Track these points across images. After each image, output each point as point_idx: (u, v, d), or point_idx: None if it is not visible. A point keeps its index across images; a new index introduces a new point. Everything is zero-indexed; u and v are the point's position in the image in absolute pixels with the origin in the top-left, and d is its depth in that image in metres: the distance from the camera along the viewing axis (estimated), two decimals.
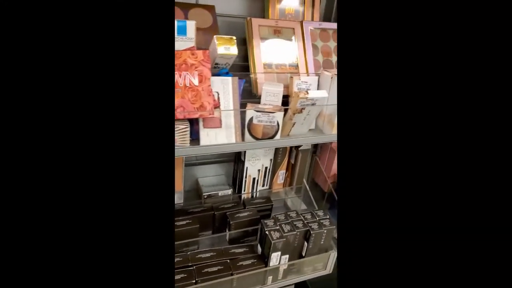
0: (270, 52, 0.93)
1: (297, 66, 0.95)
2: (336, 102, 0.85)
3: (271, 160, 1.21)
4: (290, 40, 0.96)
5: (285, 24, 0.95)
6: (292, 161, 1.25)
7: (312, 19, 1.06)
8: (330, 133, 0.89)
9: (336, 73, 0.85)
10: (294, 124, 0.84)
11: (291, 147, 1.22)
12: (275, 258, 1.00)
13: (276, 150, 1.20)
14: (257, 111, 0.77)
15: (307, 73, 0.95)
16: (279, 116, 0.78)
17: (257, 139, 0.81)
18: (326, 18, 1.14)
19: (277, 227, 1.01)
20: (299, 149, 1.20)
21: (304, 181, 1.29)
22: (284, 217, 1.06)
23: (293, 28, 0.96)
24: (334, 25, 1.02)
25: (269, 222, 1.03)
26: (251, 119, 0.78)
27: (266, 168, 1.23)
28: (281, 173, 1.26)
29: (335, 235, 1.27)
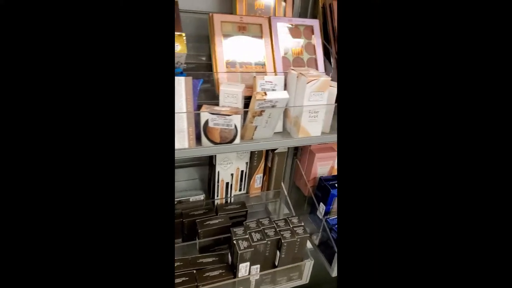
0: (234, 50, 0.87)
1: (264, 65, 0.89)
2: (302, 103, 0.79)
3: (247, 163, 1.16)
4: (257, 37, 0.90)
5: (251, 20, 0.89)
6: (269, 165, 1.19)
7: (285, 15, 1.00)
8: (297, 137, 0.82)
9: (302, 72, 0.79)
10: (256, 127, 0.78)
11: (267, 150, 1.16)
12: (243, 268, 0.95)
13: (252, 153, 1.15)
14: (212, 113, 0.72)
15: (275, 72, 0.89)
16: (236, 119, 0.72)
17: (215, 143, 0.75)
18: (302, 14, 1.08)
19: (246, 236, 0.95)
20: (275, 152, 1.15)
21: (283, 185, 1.24)
22: (255, 224, 1.01)
23: (260, 24, 0.90)
24: (305, 21, 0.96)
25: (239, 231, 0.97)
26: (206, 122, 0.73)
27: (242, 171, 1.17)
28: (258, 177, 1.21)
29: (315, 242, 1.22)
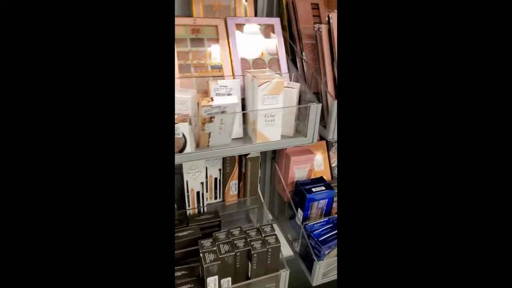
0: (187, 54, 0.82)
1: (221, 68, 0.85)
2: (259, 107, 0.74)
3: (220, 170, 1.12)
4: (212, 39, 0.86)
5: (205, 22, 0.85)
6: (244, 170, 1.15)
7: (246, 15, 0.95)
8: (255, 142, 0.78)
9: (255, 74, 0.75)
10: (210, 134, 0.74)
11: (240, 155, 1.12)
12: (212, 282, 0.90)
13: (224, 159, 1.10)
14: None
15: (233, 75, 0.85)
16: (183, 127, 0.68)
17: None
18: (268, 13, 1.03)
19: (214, 248, 0.91)
20: (247, 157, 1.10)
21: (259, 191, 1.19)
22: (225, 235, 0.96)
23: (216, 26, 0.86)
24: (266, 20, 0.91)
25: (206, 243, 0.93)
26: None
27: (216, 179, 1.13)
28: (233, 184, 1.16)
29: (296, 249, 1.16)
